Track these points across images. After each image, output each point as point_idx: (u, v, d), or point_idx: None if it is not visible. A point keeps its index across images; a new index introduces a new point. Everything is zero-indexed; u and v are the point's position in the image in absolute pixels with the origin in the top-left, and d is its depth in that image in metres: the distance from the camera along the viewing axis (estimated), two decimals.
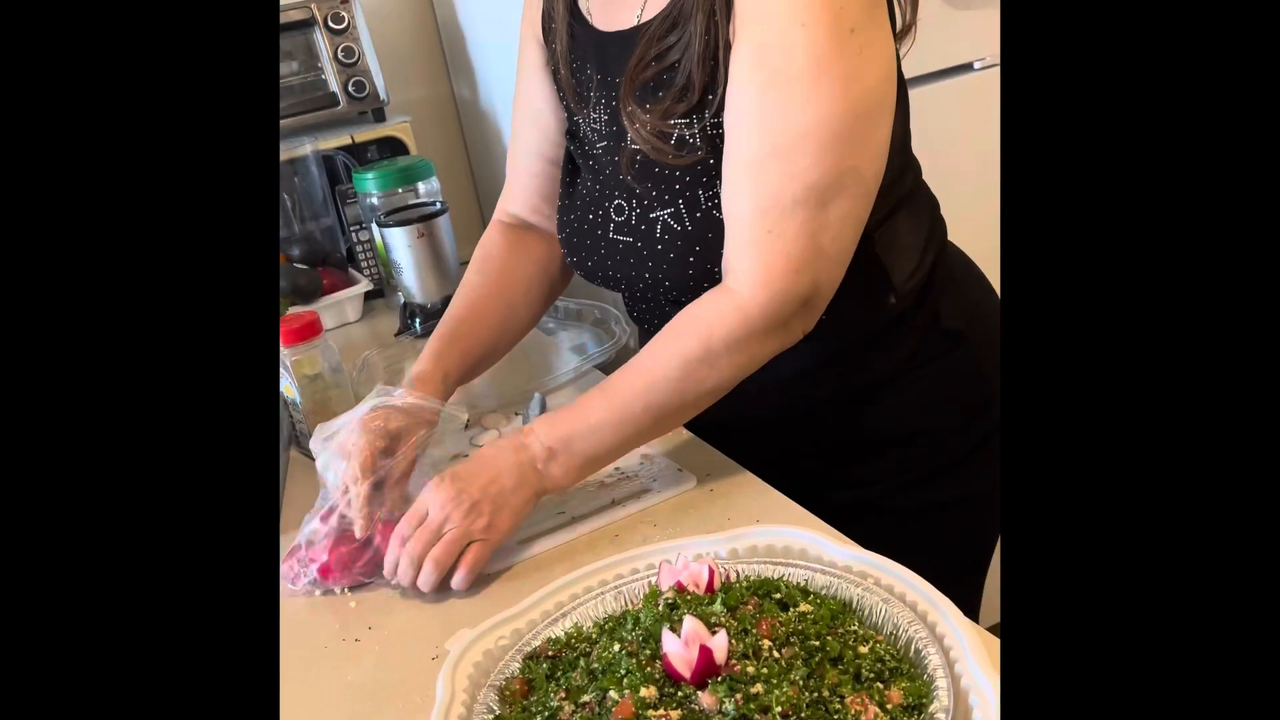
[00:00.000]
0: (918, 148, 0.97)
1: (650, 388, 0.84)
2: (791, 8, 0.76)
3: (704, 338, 0.82)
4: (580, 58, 0.95)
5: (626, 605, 0.72)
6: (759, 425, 0.99)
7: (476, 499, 0.83)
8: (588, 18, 0.94)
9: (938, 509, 0.99)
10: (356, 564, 0.87)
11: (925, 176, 1.00)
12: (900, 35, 0.87)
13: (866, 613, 0.67)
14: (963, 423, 0.98)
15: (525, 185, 1.09)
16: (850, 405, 0.97)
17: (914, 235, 0.94)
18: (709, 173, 0.85)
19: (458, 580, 0.82)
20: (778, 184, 0.79)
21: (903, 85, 0.90)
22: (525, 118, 1.06)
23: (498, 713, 0.64)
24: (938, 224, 0.99)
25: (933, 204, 1.00)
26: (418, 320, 1.42)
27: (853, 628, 0.65)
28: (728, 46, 0.81)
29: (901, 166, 0.92)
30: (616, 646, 0.64)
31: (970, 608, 1.07)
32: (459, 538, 0.82)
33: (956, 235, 1.03)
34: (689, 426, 1.02)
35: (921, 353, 0.96)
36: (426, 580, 0.82)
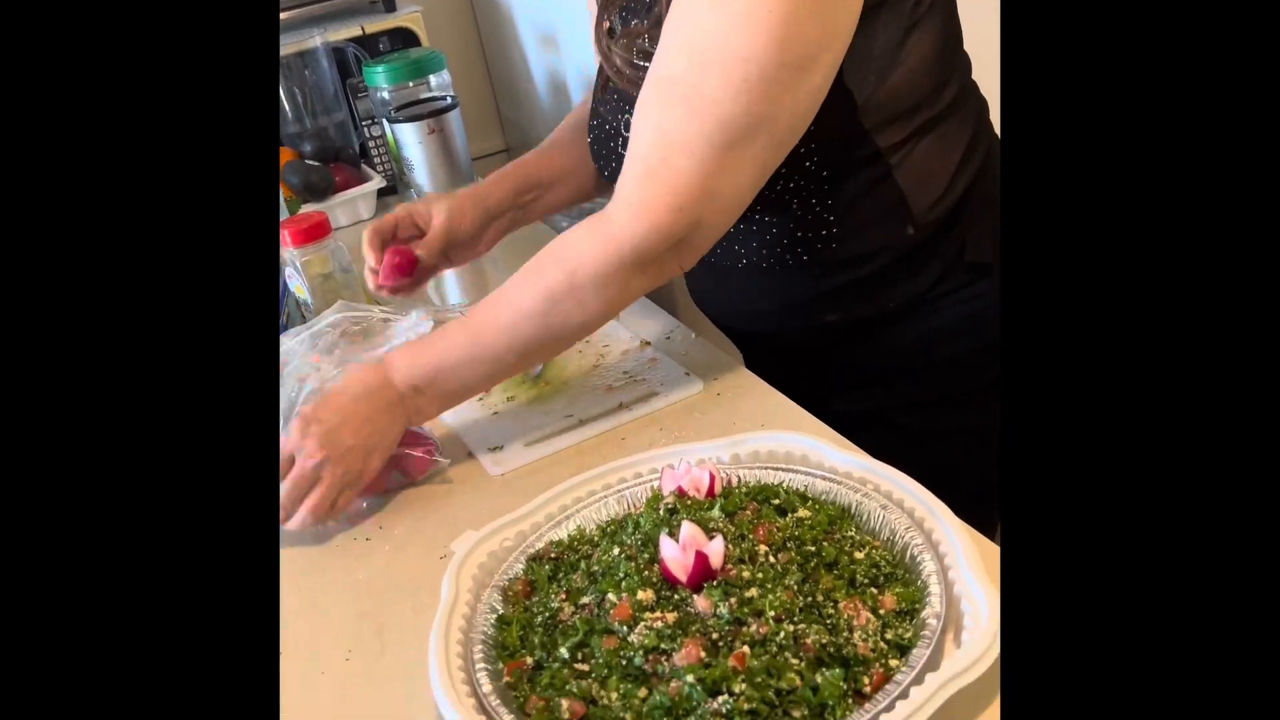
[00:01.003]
0: (975, 43, 0.89)
1: (514, 325, 0.81)
2: None
3: (570, 272, 0.79)
4: None
5: (629, 509, 0.73)
6: (765, 344, 0.97)
7: (350, 445, 0.81)
8: None
9: (937, 436, 0.95)
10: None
11: (980, 73, 0.91)
12: None
13: (864, 518, 0.67)
14: (979, 359, 0.92)
15: None
16: (862, 333, 0.93)
17: (943, 159, 0.87)
18: None
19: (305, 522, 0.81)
20: (686, 111, 0.74)
21: None
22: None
23: (501, 612, 0.65)
24: (980, 138, 0.91)
25: (979, 115, 0.92)
26: None
27: (849, 533, 0.65)
28: None
29: (937, 84, 0.85)
30: (616, 550, 0.65)
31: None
32: (336, 485, 0.81)
33: None
34: (698, 329, 1.02)
35: (943, 284, 0.90)
36: (298, 524, 0.81)
